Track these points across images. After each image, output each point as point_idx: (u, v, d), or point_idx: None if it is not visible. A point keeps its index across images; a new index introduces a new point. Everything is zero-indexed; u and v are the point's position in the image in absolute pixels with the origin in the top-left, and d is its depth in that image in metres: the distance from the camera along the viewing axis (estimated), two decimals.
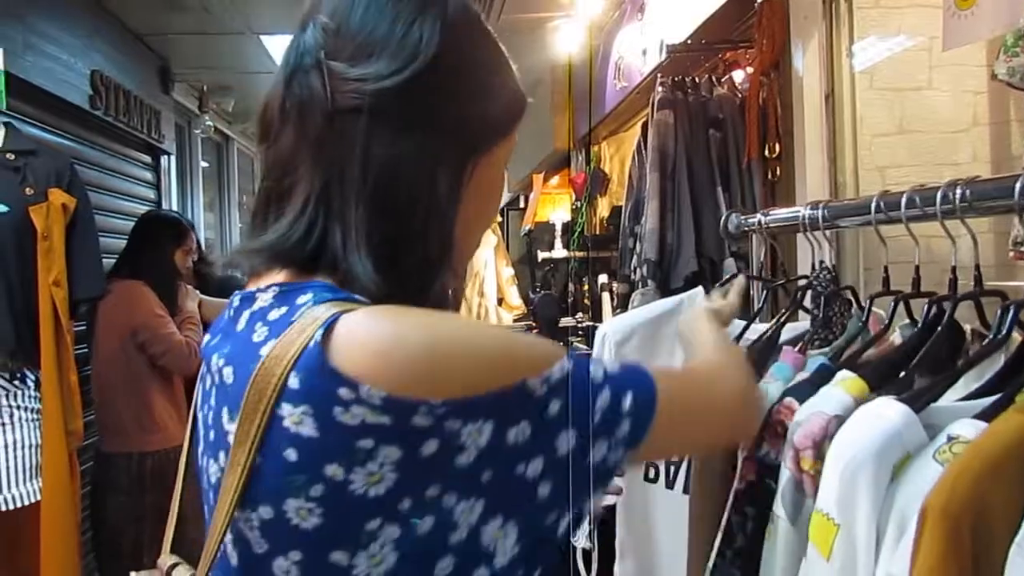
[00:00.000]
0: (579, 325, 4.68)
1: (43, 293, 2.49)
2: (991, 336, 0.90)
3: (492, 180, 0.82)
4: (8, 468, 2.44)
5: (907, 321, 1.10)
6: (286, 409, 0.65)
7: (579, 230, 5.10)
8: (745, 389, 0.92)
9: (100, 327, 3.11)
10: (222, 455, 0.73)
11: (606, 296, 4.55)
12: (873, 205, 1.09)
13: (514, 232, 7.10)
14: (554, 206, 6.10)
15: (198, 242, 3.55)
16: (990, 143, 2.43)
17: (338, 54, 0.73)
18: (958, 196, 0.93)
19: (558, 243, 5.80)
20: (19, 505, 2.44)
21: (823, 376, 1.01)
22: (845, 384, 0.93)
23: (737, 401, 0.89)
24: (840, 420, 0.87)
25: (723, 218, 1.56)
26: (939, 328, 0.97)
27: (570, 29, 4.23)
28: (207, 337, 0.82)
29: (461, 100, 0.77)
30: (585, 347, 3.93)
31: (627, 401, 0.73)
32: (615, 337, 1.38)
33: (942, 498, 0.66)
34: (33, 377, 2.54)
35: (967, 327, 1.00)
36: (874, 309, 1.13)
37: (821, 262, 1.27)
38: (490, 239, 5.86)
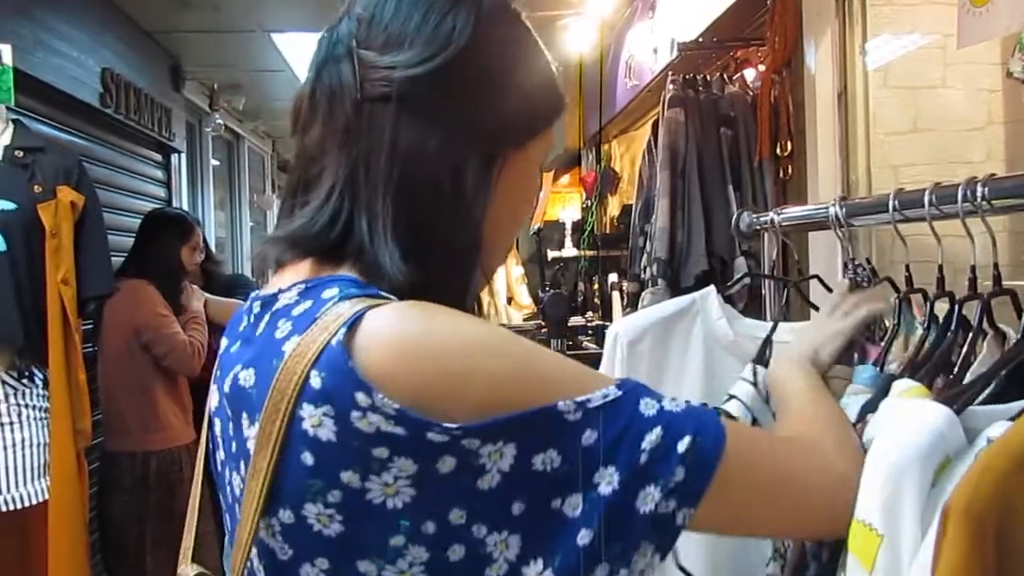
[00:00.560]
0: (589, 324, 4.66)
1: (51, 291, 2.47)
2: (1020, 336, 0.87)
3: (524, 179, 0.80)
4: (16, 467, 2.43)
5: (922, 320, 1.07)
6: (307, 410, 0.63)
7: (589, 229, 5.09)
8: (842, 478, 0.72)
9: (106, 326, 3.12)
10: (243, 465, 0.71)
11: (616, 295, 4.54)
12: (891, 203, 1.07)
13: (524, 231, 7.09)
14: (564, 205, 6.10)
15: (205, 240, 3.55)
16: (1005, 141, 2.41)
17: (370, 43, 0.73)
18: (979, 194, 0.91)
19: (568, 242, 5.81)
20: (27, 504, 2.44)
21: (881, 387, 0.90)
22: (910, 394, 0.84)
23: (826, 491, 0.72)
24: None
25: (735, 216, 1.54)
26: (978, 328, 0.93)
27: (580, 27, 4.22)
28: (224, 343, 0.80)
29: (491, 93, 0.75)
30: (595, 347, 3.91)
31: (683, 444, 0.65)
32: (627, 337, 1.35)
33: (965, 498, 0.63)
34: (41, 375, 2.53)
35: (1008, 330, 0.96)
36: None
37: (853, 259, 1.23)
38: None
